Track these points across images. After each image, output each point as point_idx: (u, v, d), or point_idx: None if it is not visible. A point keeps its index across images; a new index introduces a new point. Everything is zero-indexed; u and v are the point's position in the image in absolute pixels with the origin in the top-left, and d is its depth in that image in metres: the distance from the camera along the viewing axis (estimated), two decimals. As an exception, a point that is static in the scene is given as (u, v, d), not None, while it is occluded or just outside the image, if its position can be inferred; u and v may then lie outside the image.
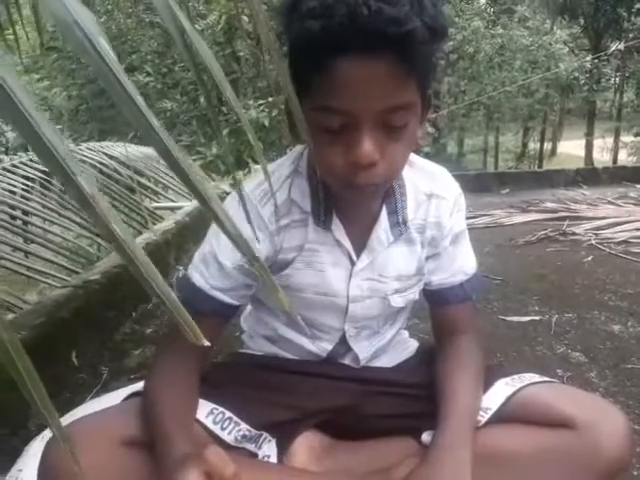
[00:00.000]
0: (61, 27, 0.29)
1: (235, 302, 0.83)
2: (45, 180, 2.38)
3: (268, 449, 0.87)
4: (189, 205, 3.06)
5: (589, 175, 5.54)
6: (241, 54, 6.47)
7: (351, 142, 0.66)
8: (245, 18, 5.97)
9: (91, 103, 8.22)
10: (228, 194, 3.05)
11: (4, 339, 0.29)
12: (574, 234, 2.97)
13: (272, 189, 0.82)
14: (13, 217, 2.10)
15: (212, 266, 0.81)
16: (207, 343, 0.33)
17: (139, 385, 0.86)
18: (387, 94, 0.64)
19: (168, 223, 2.57)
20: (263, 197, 0.82)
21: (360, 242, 0.85)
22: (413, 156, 0.88)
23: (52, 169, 0.29)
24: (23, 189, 2.25)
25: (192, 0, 6.54)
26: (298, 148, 0.86)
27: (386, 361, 1.00)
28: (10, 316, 1.43)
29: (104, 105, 8.29)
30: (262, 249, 0.82)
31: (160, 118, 7.01)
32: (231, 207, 0.83)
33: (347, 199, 0.80)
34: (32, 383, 0.30)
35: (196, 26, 6.60)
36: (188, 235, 2.57)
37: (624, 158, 11.40)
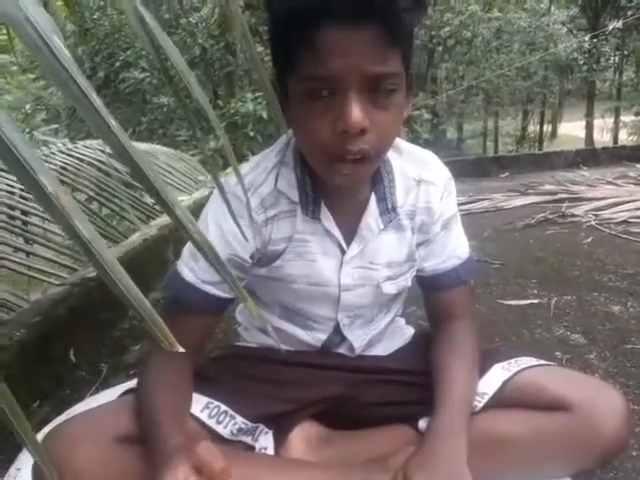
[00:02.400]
0: (12, 25, 0.28)
1: (226, 295, 0.82)
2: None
3: (265, 441, 0.87)
4: (187, 199, 3.05)
5: (588, 156, 5.50)
6: (236, 46, 6.42)
7: (339, 111, 0.66)
8: (240, 9, 5.93)
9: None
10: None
11: None
12: (573, 216, 2.95)
13: (242, 183, 0.81)
14: (12, 217, 2.10)
15: (201, 260, 0.81)
16: (181, 349, 0.33)
17: (133, 383, 0.86)
18: (372, 60, 0.64)
19: (166, 218, 2.56)
20: (248, 189, 0.81)
21: (350, 230, 0.84)
22: (401, 142, 0.87)
23: (10, 167, 0.27)
24: (21, 189, 2.24)
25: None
26: (284, 138, 0.85)
27: (382, 349, 0.99)
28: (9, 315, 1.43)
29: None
30: (250, 243, 0.82)
31: (157, 114, 6.99)
32: (216, 201, 0.83)
33: (335, 186, 0.79)
34: (5, 401, 0.30)
35: (190, 19, 6.56)
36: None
37: (624, 138, 11.32)
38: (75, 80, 0.28)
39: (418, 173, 0.86)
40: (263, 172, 0.82)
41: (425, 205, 0.87)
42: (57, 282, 1.62)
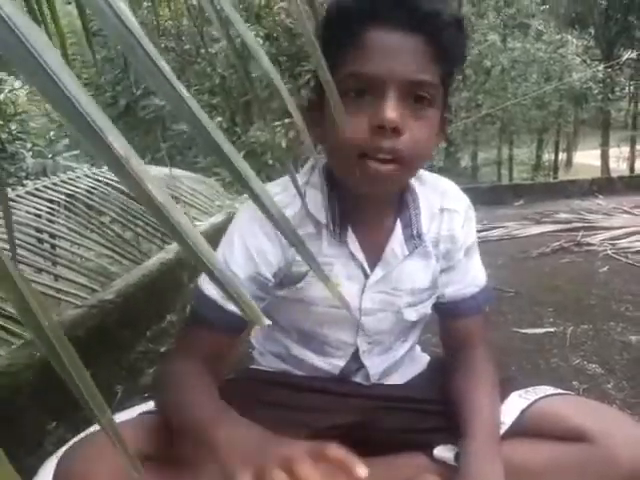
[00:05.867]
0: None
1: None
2: (69, 203, 2.44)
3: (279, 465, 0.87)
4: (204, 224, 3.09)
5: (604, 184, 5.48)
6: (255, 75, 6.56)
7: (377, 108, 0.70)
8: (259, 40, 6.09)
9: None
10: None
11: (47, 330, 0.26)
12: (589, 244, 2.93)
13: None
14: (40, 240, 2.16)
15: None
16: (268, 322, 0.31)
17: (151, 405, 0.87)
18: (414, 66, 0.70)
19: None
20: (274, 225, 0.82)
21: (374, 255, 0.85)
22: (423, 172, 0.89)
23: (79, 129, 0.26)
24: (48, 212, 2.31)
25: (206, 25, 6.68)
26: (309, 163, 0.88)
27: (397, 378, 0.99)
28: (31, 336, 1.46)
29: (121, 130, 8.44)
30: (274, 261, 0.82)
31: (176, 140, 7.13)
32: (243, 218, 0.84)
33: (365, 205, 0.81)
34: (77, 374, 0.28)
35: (210, 50, 6.74)
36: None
37: (641, 167, 11.25)
38: (141, 45, 0.27)
39: (440, 202, 0.88)
40: (289, 195, 0.83)
41: (448, 233, 0.88)
42: (79, 303, 1.65)
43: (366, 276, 0.86)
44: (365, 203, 0.82)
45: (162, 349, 1.74)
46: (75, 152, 5.31)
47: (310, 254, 0.35)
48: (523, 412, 0.84)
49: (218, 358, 0.85)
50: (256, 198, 0.30)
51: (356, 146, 0.72)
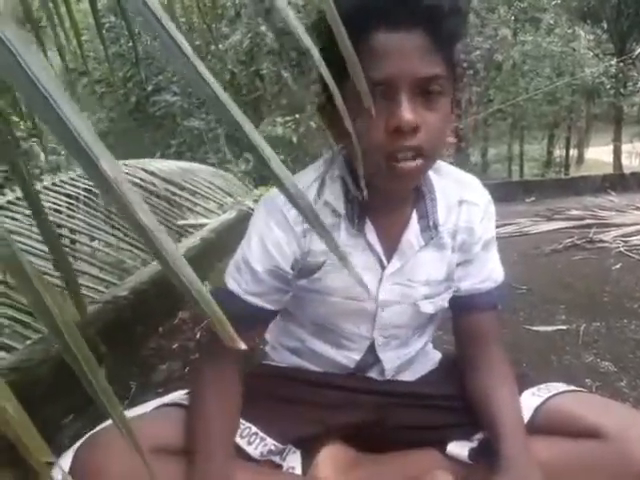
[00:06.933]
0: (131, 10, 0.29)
1: (269, 306, 0.84)
2: (88, 198, 2.46)
3: (292, 460, 0.88)
4: (215, 221, 3.09)
5: (617, 181, 5.44)
6: (264, 72, 6.57)
7: (392, 111, 0.70)
8: (270, 35, 6.09)
9: (119, 125, 8.44)
10: (253, 210, 3.08)
11: (63, 329, 0.27)
12: (602, 242, 2.91)
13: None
14: (59, 235, 2.17)
15: (244, 272, 0.82)
16: (243, 346, 0.32)
17: (166, 399, 0.88)
18: (422, 63, 0.69)
19: (193, 240, 2.60)
20: (288, 201, 0.82)
21: (391, 246, 0.85)
22: (441, 164, 0.88)
23: (73, 152, 0.27)
24: (68, 207, 2.33)
25: (215, 21, 6.69)
26: (326, 155, 0.88)
27: (410, 375, 0.99)
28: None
29: (131, 126, 8.51)
30: (289, 253, 0.83)
31: (187, 137, 7.15)
32: (260, 213, 0.85)
33: (383, 198, 0.81)
34: (90, 371, 0.29)
35: (220, 46, 6.75)
36: (212, 252, 2.60)
37: (654, 163, 11.12)
38: (162, 23, 0.30)
39: (459, 193, 0.87)
40: (305, 185, 0.83)
41: (467, 225, 0.88)
42: (98, 298, 1.67)
43: (383, 267, 0.86)
44: (384, 195, 0.82)
45: (174, 345, 1.76)
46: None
47: (330, 236, 0.35)
48: (537, 410, 0.84)
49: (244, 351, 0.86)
50: (278, 181, 0.32)
51: (378, 150, 0.72)
